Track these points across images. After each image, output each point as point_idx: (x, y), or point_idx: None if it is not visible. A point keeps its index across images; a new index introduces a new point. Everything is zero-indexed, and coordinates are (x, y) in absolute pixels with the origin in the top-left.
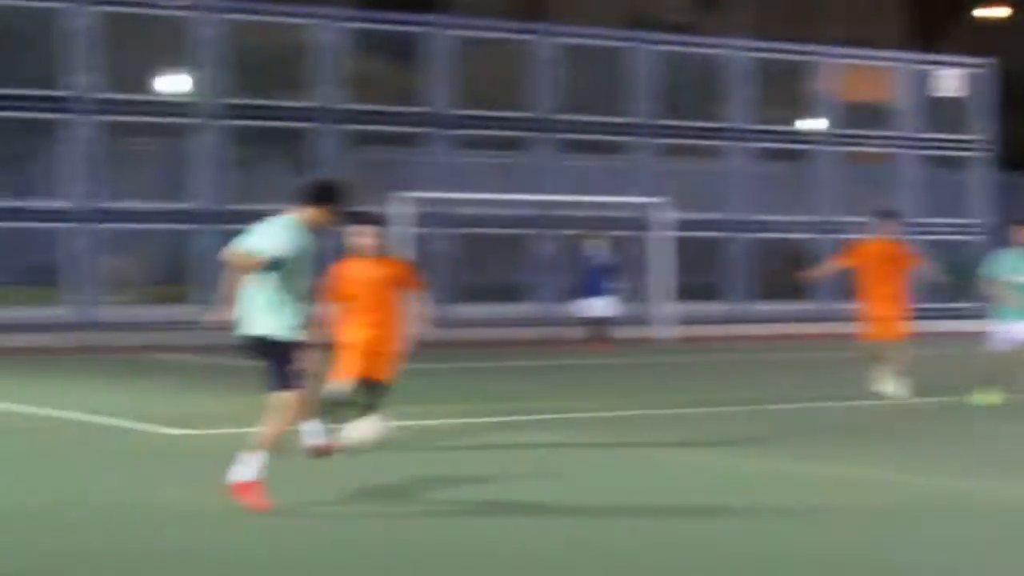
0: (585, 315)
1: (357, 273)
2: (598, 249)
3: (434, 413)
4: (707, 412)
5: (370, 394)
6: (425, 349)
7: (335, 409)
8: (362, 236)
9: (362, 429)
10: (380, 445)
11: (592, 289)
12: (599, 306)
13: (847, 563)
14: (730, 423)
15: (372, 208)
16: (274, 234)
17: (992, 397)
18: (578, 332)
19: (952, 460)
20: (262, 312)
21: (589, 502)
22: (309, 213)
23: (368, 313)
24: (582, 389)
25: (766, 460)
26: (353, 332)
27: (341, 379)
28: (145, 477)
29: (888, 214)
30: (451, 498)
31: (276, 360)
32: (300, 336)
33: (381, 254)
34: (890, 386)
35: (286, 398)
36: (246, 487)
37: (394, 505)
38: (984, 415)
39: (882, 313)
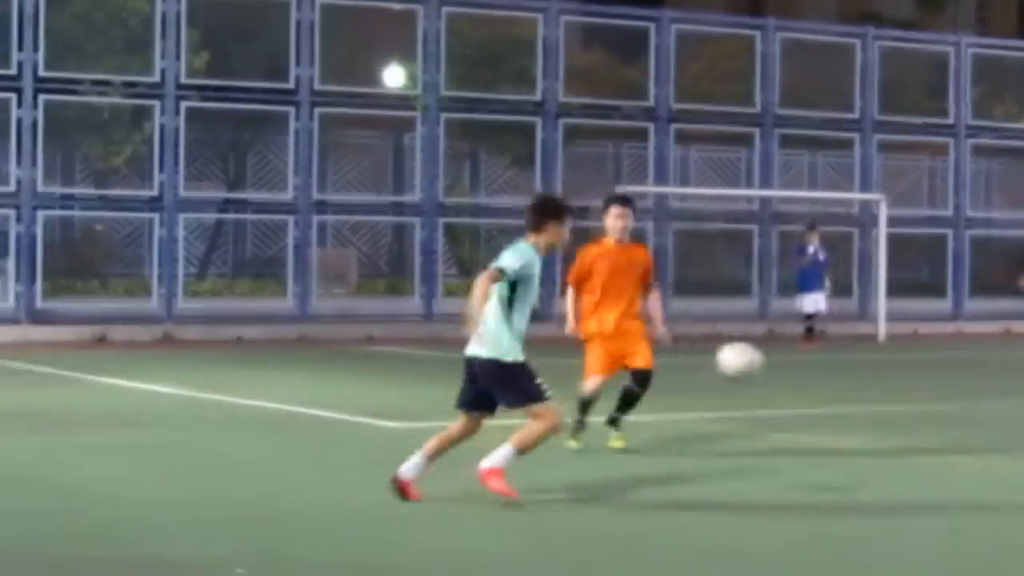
0: (802, 311)
1: (606, 258)
2: (813, 245)
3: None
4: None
5: (637, 382)
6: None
7: (586, 409)
8: (620, 218)
9: None
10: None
11: (807, 285)
12: (813, 302)
13: None
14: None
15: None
16: (513, 257)
17: None
18: (796, 328)
19: None
20: (491, 334)
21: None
22: (542, 236)
23: (618, 300)
24: (801, 386)
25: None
26: (603, 321)
27: (593, 378)
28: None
29: None
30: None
31: (508, 381)
32: (520, 356)
33: (627, 239)
34: None
35: (542, 409)
36: (494, 472)
37: (612, 500)
38: None
39: None
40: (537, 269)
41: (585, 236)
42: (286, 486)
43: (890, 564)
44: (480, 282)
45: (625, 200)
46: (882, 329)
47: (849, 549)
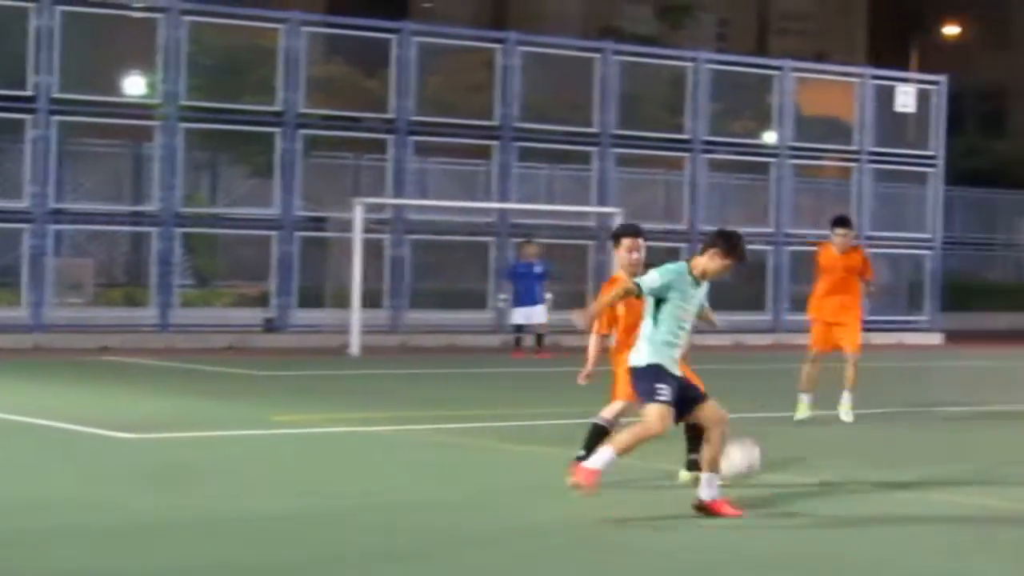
0: (519, 322)
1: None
2: (531, 258)
3: (369, 420)
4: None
5: None
6: (382, 356)
7: None
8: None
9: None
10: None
11: (522, 298)
12: (531, 314)
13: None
14: None
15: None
16: (659, 273)
17: None
18: (528, 340)
19: None
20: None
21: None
22: (700, 260)
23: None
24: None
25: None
26: None
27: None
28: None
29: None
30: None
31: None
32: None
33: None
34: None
35: (648, 409)
36: (591, 473)
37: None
38: None
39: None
40: (687, 289)
41: (322, 244)
42: (7, 497)
43: None
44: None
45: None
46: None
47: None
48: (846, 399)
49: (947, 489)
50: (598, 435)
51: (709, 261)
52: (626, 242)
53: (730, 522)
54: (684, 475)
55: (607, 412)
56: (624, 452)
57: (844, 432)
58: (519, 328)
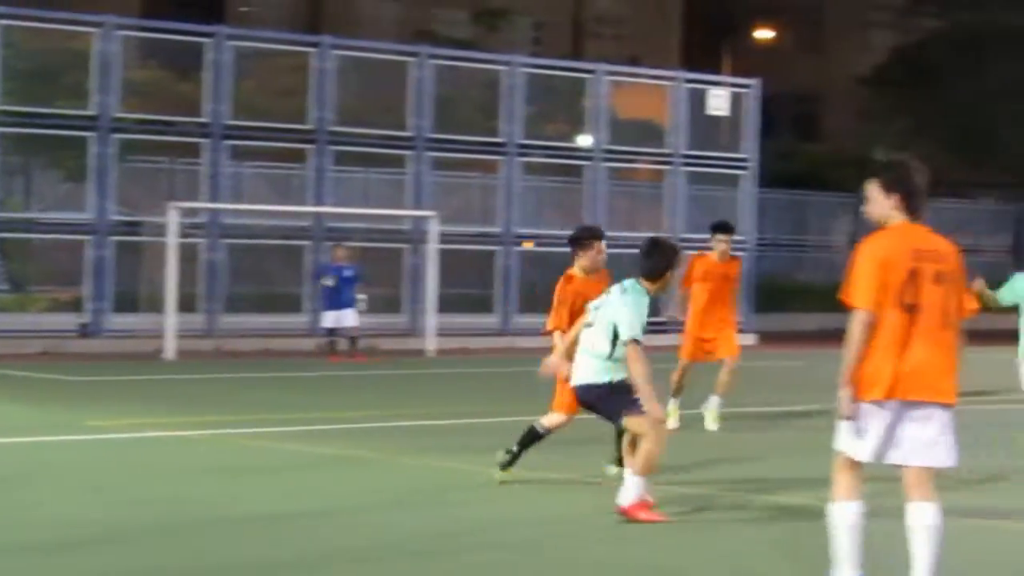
0: (330, 326)
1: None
2: (340, 262)
3: (185, 424)
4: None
5: None
6: (197, 360)
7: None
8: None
9: None
10: None
11: (333, 302)
12: (334, 318)
13: None
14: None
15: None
16: (637, 313)
17: None
18: (342, 343)
19: None
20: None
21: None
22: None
23: None
24: (335, 399)
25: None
26: None
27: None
28: None
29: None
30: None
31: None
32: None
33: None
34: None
35: (641, 423)
36: (637, 507)
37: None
38: None
39: None
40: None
41: (137, 248)
42: None
43: None
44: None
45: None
46: (432, 344)
47: None
48: (714, 403)
49: (739, 487)
50: (532, 438)
51: (665, 280)
52: (597, 244)
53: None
54: (612, 470)
55: (547, 421)
56: (649, 472)
57: None
58: (331, 332)
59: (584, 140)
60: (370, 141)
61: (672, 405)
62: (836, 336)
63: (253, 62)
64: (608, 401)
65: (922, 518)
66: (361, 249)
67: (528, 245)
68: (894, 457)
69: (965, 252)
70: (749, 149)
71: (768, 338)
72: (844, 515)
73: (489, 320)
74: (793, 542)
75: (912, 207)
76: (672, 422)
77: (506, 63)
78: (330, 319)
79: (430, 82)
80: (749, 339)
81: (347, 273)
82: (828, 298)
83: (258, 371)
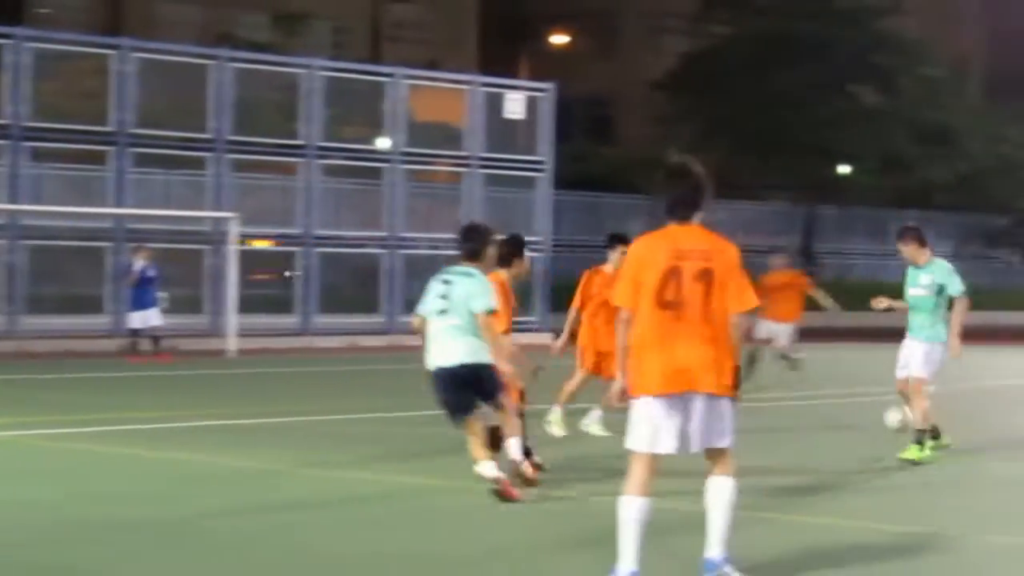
0: (136, 326)
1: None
2: (141, 263)
3: (8, 425)
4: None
5: None
6: None
7: None
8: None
9: None
10: None
11: (136, 302)
12: (141, 318)
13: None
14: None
15: None
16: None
17: None
18: (144, 343)
19: None
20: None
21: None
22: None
23: None
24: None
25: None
26: None
27: None
28: None
29: None
30: None
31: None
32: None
33: None
34: None
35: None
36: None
37: None
38: None
39: None
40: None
41: None
42: None
43: None
44: None
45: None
46: (232, 344)
47: None
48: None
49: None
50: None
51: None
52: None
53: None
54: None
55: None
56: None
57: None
58: (135, 332)
59: (383, 143)
60: (170, 143)
61: (557, 414)
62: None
63: (53, 64)
64: (492, 380)
65: (716, 491)
66: (160, 250)
67: (255, 244)
68: (681, 446)
69: (757, 252)
70: (545, 152)
71: None
72: (630, 509)
73: (289, 321)
74: (577, 533)
75: (673, 210)
76: (557, 430)
77: (305, 66)
78: (136, 320)
79: (230, 85)
80: (546, 338)
81: (149, 274)
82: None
83: (59, 372)
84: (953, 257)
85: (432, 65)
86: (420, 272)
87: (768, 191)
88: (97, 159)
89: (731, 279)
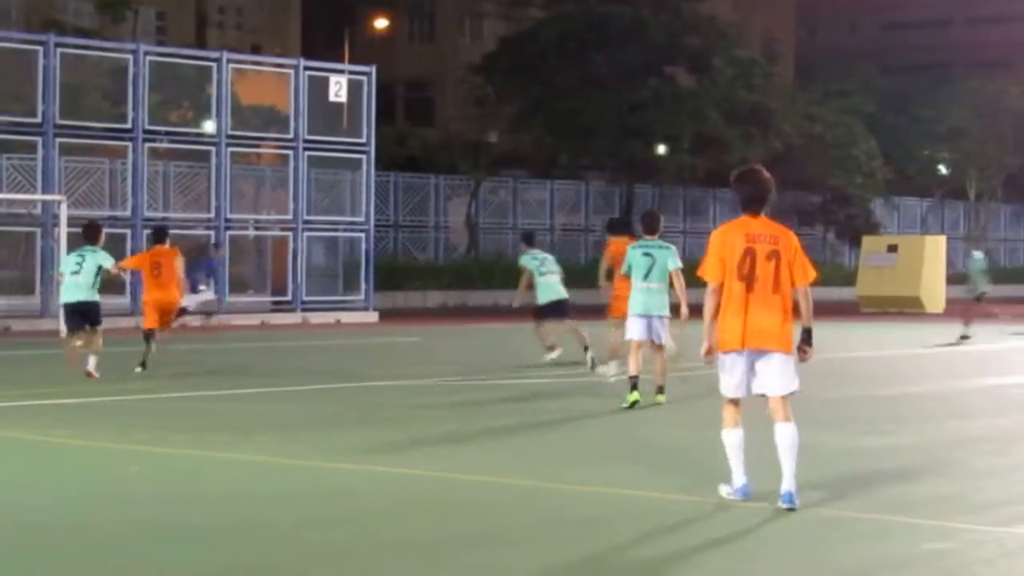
0: None
1: None
2: None
3: None
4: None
5: None
6: None
7: None
8: None
9: None
10: None
11: None
12: None
13: None
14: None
15: None
16: None
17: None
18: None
19: None
20: None
21: None
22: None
23: None
24: None
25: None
26: None
27: None
28: None
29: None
30: None
31: None
32: None
33: None
34: None
35: None
36: None
37: None
38: None
39: None
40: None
41: None
42: None
43: None
44: None
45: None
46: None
47: None
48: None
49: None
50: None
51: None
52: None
53: None
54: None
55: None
56: None
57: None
58: None
59: (209, 126)
60: (0, 127)
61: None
62: (455, 313)
63: None
64: None
65: (782, 435)
66: None
67: None
68: (755, 389)
69: (578, 231)
70: (367, 134)
71: (390, 315)
72: (731, 437)
73: (119, 302)
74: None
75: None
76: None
77: (132, 51)
78: None
79: (57, 70)
80: (371, 316)
81: None
82: (446, 276)
83: None
84: None
85: (256, 50)
86: (247, 253)
87: (586, 171)
88: None
89: (795, 259)
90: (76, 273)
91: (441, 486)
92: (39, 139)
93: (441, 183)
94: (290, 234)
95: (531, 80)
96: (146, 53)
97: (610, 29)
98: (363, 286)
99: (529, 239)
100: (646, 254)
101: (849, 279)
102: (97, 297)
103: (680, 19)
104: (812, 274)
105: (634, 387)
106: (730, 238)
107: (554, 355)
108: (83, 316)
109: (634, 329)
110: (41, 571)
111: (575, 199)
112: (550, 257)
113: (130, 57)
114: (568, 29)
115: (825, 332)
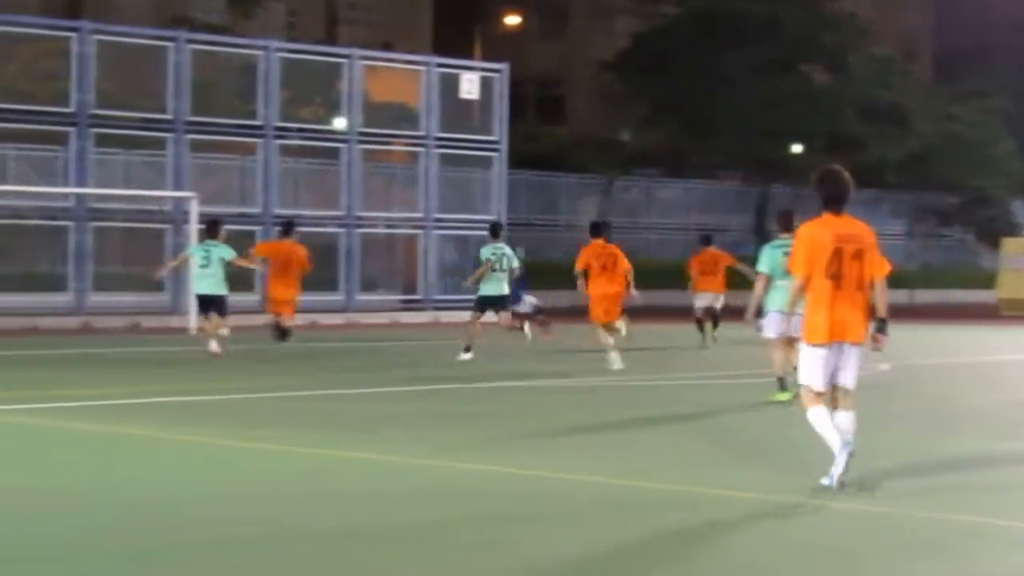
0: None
1: None
2: None
3: None
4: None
5: None
6: None
7: None
8: None
9: None
10: None
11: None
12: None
13: None
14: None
15: None
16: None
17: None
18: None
19: None
20: None
21: None
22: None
23: None
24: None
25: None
26: None
27: None
28: None
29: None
30: None
31: None
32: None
33: None
34: None
35: None
36: None
37: None
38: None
39: None
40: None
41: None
42: None
43: None
44: None
45: None
46: (194, 322)
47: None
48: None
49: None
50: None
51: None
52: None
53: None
54: None
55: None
56: None
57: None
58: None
59: (339, 123)
60: (130, 124)
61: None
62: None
63: (13, 47)
64: None
65: (848, 421)
66: (122, 230)
67: None
68: (837, 379)
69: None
70: (499, 132)
71: (518, 315)
72: (820, 416)
73: (251, 299)
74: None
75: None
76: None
77: (263, 48)
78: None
79: (187, 66)
80: (503, 316)
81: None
82: (575, 276)
83: (22, 349)
84: (906, 236)
85: (386, 47)
86: (377, 251)
87: (720, 170)
88: (58, 140)
89: (874, 255)
90: (205, 266)
91: (572, 488)
92: (169, 136)
93: (572, 182)
94: (420, 232)
95: (663, 77)
96: (276, 50)
97: (744, 26)
98: None
99: (495, 231)
100: (786, 253)
101: (989, 282)
102: (225, 291)
103: (816, 16)
104: (887, 268)
105: (783, 387)
106: (819, 237)
107: (467, 356)
108: (211, 305)
109: (772, 326)
110: (163, 569)
111: (708, 199)
112: (509, 253)
113: (260, 54)
114: (701, 26)
115: (964, 336)
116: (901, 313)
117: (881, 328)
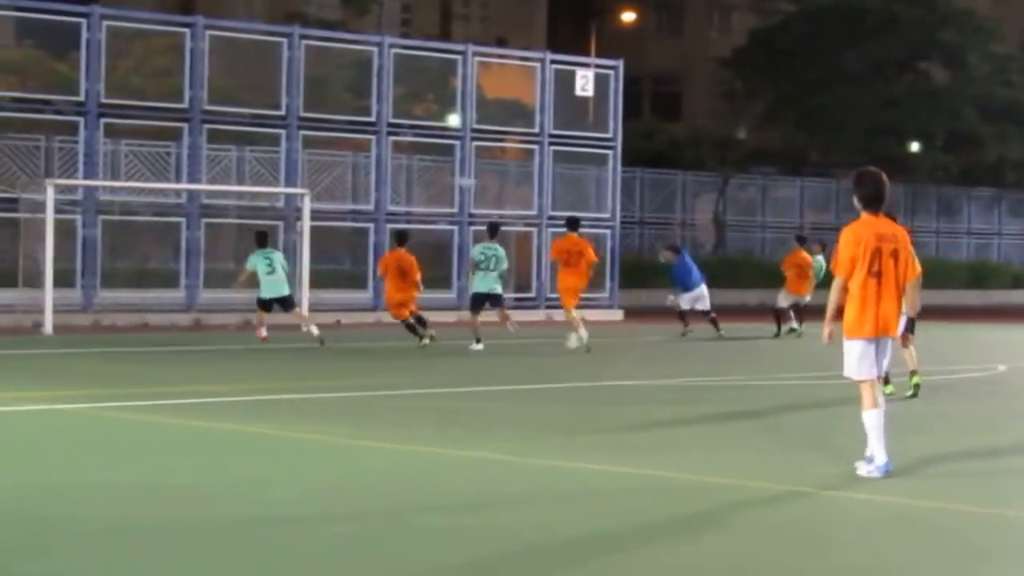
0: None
1: None
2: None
3: (63, 397)
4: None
5: None
6: (75, 335)
7: None
8: None
9: None
10: None
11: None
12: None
13: None
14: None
15: None
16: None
17: None
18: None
19: None
20: None
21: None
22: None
23: None
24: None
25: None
26: None
27: None
28: None
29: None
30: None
31: None
32: None
33: None
34: None
35: None
36: None
37: None
38: None
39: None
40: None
41: (15, 225)
42: None
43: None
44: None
45: None
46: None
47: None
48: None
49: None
50: None
51: None
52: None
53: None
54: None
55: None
56: None
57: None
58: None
59: (453, 119)
60: (243, 120)
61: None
62: (700, 312)
63: (128, 42)
64: None
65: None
66: (235, 227)
67: None
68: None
69: (828, 230)
70: (613, 129)
71: (634, 314)
72: (873, 418)
73: (362, 296)
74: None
75: (869, 204)
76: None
77: (376, 43)
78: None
79: (301, 62)
80: (616, 315)
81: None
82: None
83: (135, 346)
84: None
85: (501, 43)
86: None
87: (836, 169)
88: (171, 135)
89: (908, 255)
90: (270, 272)
91: (687, 490)
92: (282, 132)
93: (688, 179)
94: (534, 230)
95: (781, 75)
96: (390, 46)
97: (863, 23)
98: (608, 283)
99: (492, 231)
100: None
101: None
102: (291, 290)
103: (935, 13)
104: (919, 269)
105: (886, 380)
106: (863, 237)
107: (478, 347)
108: (282, 304)
109: None
110: (281, 565)
111: (825, 197)
112: (500, 254)
113: (374, 50)
114: (819, 23)
115: None
116: (1016, 314)
117: (911, 327)
